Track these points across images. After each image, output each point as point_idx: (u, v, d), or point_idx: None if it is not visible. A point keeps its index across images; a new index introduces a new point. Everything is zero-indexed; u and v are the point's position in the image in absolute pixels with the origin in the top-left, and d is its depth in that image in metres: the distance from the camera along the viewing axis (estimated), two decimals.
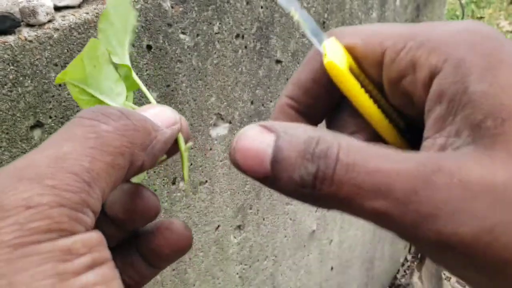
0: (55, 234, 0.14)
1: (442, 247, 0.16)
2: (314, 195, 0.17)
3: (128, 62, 0.23)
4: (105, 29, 0.22)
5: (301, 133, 0.17)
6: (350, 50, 0.20)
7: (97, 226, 0.19)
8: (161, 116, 0.20)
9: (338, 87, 0.20)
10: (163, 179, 0.56)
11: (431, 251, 0.16)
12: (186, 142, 0.22)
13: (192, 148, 0.23)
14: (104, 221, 0.21)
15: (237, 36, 0.61)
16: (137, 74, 0.24)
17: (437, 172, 0.16)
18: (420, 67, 0.18)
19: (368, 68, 0.20)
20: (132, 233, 0.22)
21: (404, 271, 1.43)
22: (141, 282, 0.22)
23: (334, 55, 0.20)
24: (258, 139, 0.18)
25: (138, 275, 0.22)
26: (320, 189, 0.17)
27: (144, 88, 0.23)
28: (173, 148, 0.21)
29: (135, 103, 0.23)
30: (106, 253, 0.16)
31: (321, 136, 0.17)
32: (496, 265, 0.15)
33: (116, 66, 0.22)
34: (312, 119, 0.23)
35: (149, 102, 0.23)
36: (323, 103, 0.22)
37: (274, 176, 0.17)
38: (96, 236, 0.15)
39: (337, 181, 0.16)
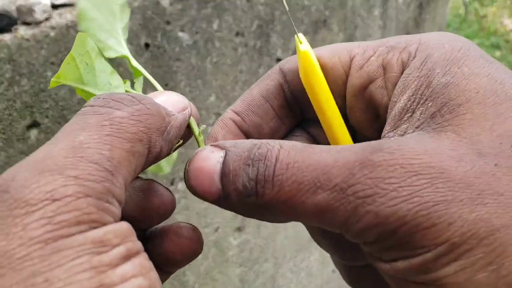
0: (86, 226, 0.13)
1: (382, 233, 0.15)
2: (258, 204, 0.17)
3: (125, 51, 0.22)
4: (87, 28, 0.21)
5: (247, 143, 0.17)
6: (317, 59, 0.20)
7: None
8: (170, 101, 0.19)
9: (304, 81, 0.20)
10: (162, 181, 0.55)
11: (372, 245, 0.16)
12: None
13: (204, 131, 0.22)
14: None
15: (237, 34, 0.61)
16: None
17: (376, 152, 0.15)
18: (391, 66, 0.18)
19: (331, 81, 0.20)
20: (143, 234, 0.22)
21: None
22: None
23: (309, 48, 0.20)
24: (208, 157, 0.18)
25: None
26: (262, 195, 0.16)
27: (148, 75, 0.22)
28: (186, 133, 0.21)
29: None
30: (138, 244, 0.15)
31: (264, 141, 0.17)
32: (437, 245, 0.14)
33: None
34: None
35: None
36: (270, 123, 0.22)
37: (224, 193, 0.17)
38: (126, 226, 0.15)
39: (278, 182, 0.16)
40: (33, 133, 0.44)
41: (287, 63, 0.22)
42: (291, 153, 0.16)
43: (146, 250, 0.21)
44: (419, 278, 0.15)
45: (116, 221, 0.14)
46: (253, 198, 0.17)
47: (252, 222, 0.72)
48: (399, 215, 0.14)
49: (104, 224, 0.14)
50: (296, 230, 0.83)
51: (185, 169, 0.18)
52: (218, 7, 0.57)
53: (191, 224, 0.21)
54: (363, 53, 0.20)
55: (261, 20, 0.63)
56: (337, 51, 0.20)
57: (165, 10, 0.51)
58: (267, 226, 0.76)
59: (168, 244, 0.21)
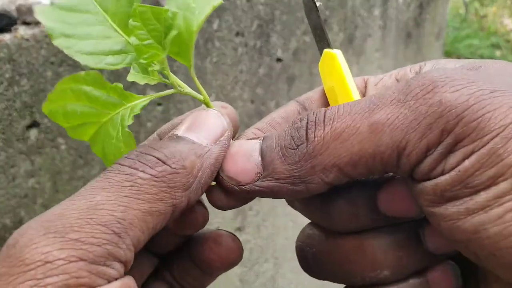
0: None
1: (447, 125, 0.15)
2: (307, 153, 0.17)
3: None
4: (67, 46, 0.19)
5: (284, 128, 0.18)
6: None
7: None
8: (205, 130, 0.18)
9: (333, 73, 0.22)
10: None
11: (434, 151, 0.15)
12: (234, 134, 0.20)
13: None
14: (165, 237, 0.21)
15: (237, 34, 0.61)
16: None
17: (423, 75, 0.16)
18: (406, 76, 0.20)
19: None
20: (185, 239, 0.22)
21: None
22: (202, 287, 0.22)
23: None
24: (244, 143, 0.18)
25: (196, 282, 0.22)
26: (313, 138, 0.17)
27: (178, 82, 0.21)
28: None
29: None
30: None
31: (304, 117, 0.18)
32: (504, 126, 0.14)
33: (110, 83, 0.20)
34: None
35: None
36: None
37: (264, 164, 0.17)
38: (119, 285, 0.15)
39: (329, 121, 0.16)
40: (33, 133, 0.44)
41: (301, 96, 0.23)
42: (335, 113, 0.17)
43: (190, 255, 0.21)
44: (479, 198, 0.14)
45: (109, 282, 0.15)
46: (302, 146, 0.17)
47: (252, 222, 0.72)
48: (462, 100, 0.14)
49: (94, 287, 0.14)
50: (296, 231, 0.83)
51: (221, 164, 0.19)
52: (218, 7, 0.57)
53: (231, 233, 0.21)
54: (376, 77, 0.21)
55: (261, 20, 0.63)
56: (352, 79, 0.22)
57: None
58: (267, 227, 0.76)
59: (208, 252, 0.21)
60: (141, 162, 0.17)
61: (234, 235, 0.21)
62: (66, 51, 0.19)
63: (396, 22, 0.97)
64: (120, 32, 0.20)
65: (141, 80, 0.20)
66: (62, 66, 0.45)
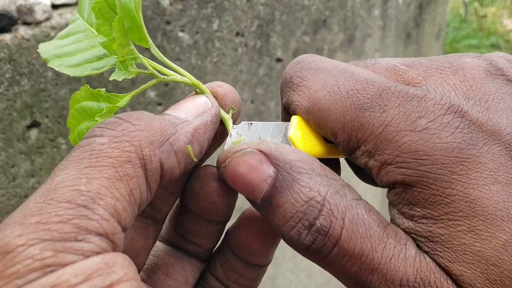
0: (38, 273, 0.13)
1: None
2: (300, 252, 0.17)
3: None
4: (60, 65, 0.20)
5: (306, 184, 0.16)
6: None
7: (202, 230, 0.19)
8: (185, 107, 0.18)
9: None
10: None
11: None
12: (238, 112, 0.20)
13: (235, 112, 0.21)
14: (198, 223, 0.21)
15: (237, 34, 0.61)
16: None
17: None
18: (374, 176, 0.19)
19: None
20: (224, 227, 0.21)
21: None
22: (250, 286, 0.21)
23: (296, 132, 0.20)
24: (255, 169, 0.17)
25: (243, 278, 0.21)
26: (310, 256, 0.17)
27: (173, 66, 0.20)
28: (220, 130, 0.20)
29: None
30: (120, 273, 0.14)
31: (326, 202, 0.16)
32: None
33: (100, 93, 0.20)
34: None
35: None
36: None
37: (263, 208, 0.17)
38: (98, 260, 0.14)
39: (329, 262, 0.16)
40: (33, 133, 0.44)
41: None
42: (352, 242, 0.16)
43: (231, 245, 0.21)
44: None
45: (88, 257, 0.14)
46: (292, 243, 0.17)
47: None
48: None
49: (65, 265, 0.13)
50: None
51: (221, 162, 0.18)
52: (218, 7, 0.57)
53: None
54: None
55: (261, 20, 0.63)
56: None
57: (165, 10, 0.51)
58: None
59: (245, 232, 0.20)
60: (100, 127, 0.16)
61: None
62: (57, 69, 0.20)
63: (396, 23, 0.97)
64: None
65: (119, 76, 0.19)
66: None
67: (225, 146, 0.19)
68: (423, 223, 0.16)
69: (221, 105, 0.20)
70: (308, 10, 0.71)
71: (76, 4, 0.46)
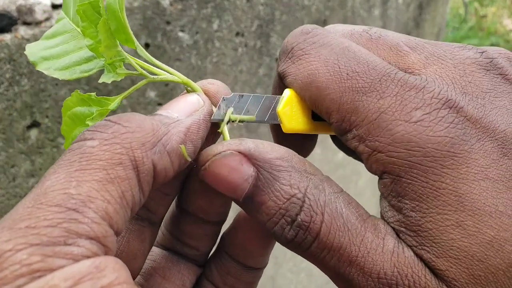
0: (25, 279, 0.13)
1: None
2: (285, 246, 0.17)
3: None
4: (48, 68, 0.20)
5: (286, 182, 0.17)
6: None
7: (201, 234, 0.19)
8: (177, 106, 0.18)
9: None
10: None
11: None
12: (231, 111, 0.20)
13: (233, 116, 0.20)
14: (195, 224, 0.21)
15: (237, 34, 0.61)
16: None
17: None
18: (363, 161, 0.19)
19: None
20: (220, 228, 0.21)
21: None
22: None
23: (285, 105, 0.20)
24: (235, 170, 0.17)
25: (240, 282, 0.21)
26: (294, 249, 0.17)
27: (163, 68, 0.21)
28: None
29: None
30: (111, 277, 0.13)
31: (306, 198, 0.17)
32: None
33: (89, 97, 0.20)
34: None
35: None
36: None
37: (246, 207, 0.17)
38: (88, 264, 0.13)
39: (310, 254, 0.17)
40: (33, 133, 0.44)
41: None
42: (330, 235, 0.16)
43: (227, 248, 0.21)
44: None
45: (77, 261, 0.13)
46: (277, 237, 0.17)
47: None
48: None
49: (53, 270, 0.13)
50: None
51: (201, 165, 0.17)
52: (218, 7, 0.57)
53: None
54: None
55: (261, 20, 0.63)
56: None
57: (165, 10, 0.51)
58: None
59: (242, 231, 0.20)
60: (90, 130, 0.16)
61: None
62: (46, 72, 0.20)
63: (395, 23, 0.97)
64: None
65: (109, 79, 0.19)
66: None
67: (212, 117, 0.19)
68: (411, 216, 0.16)
69: (213, 103, 0.20)
70: (308, 10, 0.71)
71: None
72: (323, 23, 0.75)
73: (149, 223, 0.21)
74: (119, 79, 0.19)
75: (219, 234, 0.22)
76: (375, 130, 0.17)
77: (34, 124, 0.44)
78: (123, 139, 0.16)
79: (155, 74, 0.20)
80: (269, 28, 0.65)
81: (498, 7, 2.72)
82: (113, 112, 0.20)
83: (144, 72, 0.20)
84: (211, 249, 0.22)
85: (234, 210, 0.19)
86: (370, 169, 0.18)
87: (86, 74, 0.20)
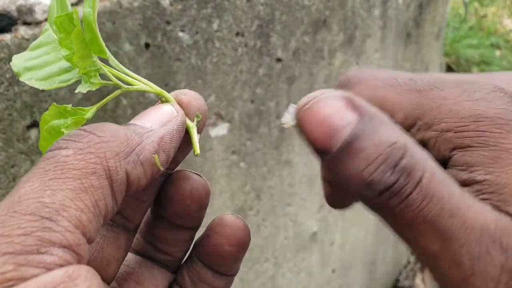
0: None
1: None
2: (375, 201, 0.16)
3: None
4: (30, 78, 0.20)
5: (388, 132, 0.16)
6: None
7: (171, 239, 0.19)
8: (151, 116, 0.19)
9: None
10: None
11: None
12: (205, 119, 0.20)
13: (200, 119, 0.21)
14: (170, 230, 0.21)
15: (237, 34, 0.61)
16: (134, 73, 0.22)
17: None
18: (430, 149, 0.19)
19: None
20: (194, 234, 0.22)
21: (407, 273, 1.42)
22: None
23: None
24: (338, 114, 0.16)
25: None
26: (387, 201, 0.16)
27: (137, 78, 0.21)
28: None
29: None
30: (83, 286, 0.14)
31: (409, 147, 0.16)
32: None
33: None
34: None
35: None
36: None
37: (339, 158, 0.16)
38: (61, 273, 0.14)
39: (409, 204, 0.16)
40: (33, 133, 0.44)
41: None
42: (432, 185, 0.16)
43: (199, 254, 0.21)
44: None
45: (50, 270, 0.13)
46: (374, 194, 0.16)
47: (252, 222, 0.72)
48: None
49: (26, 279, 0.13)
50: (296, 231, 0.83)
51: (303, 104, 0.17)
52: (218, 7, 0.57)
53: (233, 214, 0.21)
54: (404, 121, 0.22)
55: (261, 20, 0.63)
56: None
57: (165, 10, 0.51)
58: (266, 226, 0.76)
59: (215, 238, 0.20)
60: (65, 140, 0.16)
61: (238, 215, 0.21)
62: (28, 83, 0.20)
63: (395, 23, 0.97)
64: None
65: (84, 88, 0.20)
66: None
67: (282, 119, 0.19)
68: (486, 179, 0.17)
69: (186, 113, 0.20)
70: (308, 10, 0.71)
71: (76, 3, 0.46)
72: (323, 23, 0.75)
73: (125, 229, 0.21)
74: (94, 88, 0.20)
75: (193, 240, 0.22)
76: (441, 114, 0.18)
77: (34, 124, 0.44)
78: (97, 149, 0.16)
79: (130, 84, 0.21)
80: (269, 28, 0.65)
81: (498, 7, 2.72)
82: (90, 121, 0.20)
83: (118, 82, 0.20)
84: (185, 255, 0.22)
85: (208, 216, 0.19)
86: (438, 154, 0.18)
87: (64, 84, 0.20)
